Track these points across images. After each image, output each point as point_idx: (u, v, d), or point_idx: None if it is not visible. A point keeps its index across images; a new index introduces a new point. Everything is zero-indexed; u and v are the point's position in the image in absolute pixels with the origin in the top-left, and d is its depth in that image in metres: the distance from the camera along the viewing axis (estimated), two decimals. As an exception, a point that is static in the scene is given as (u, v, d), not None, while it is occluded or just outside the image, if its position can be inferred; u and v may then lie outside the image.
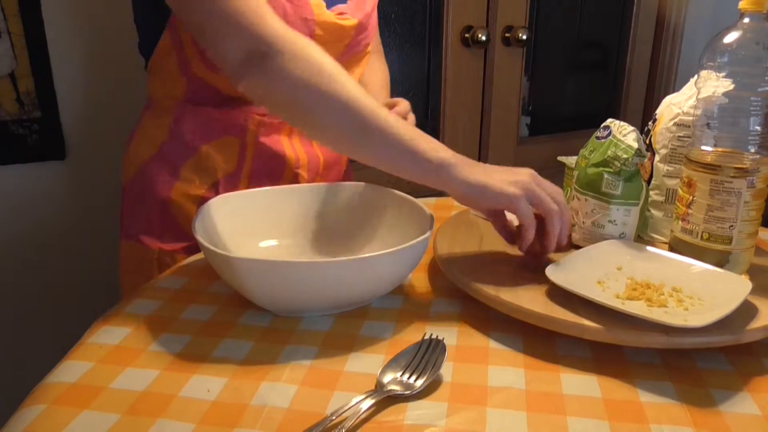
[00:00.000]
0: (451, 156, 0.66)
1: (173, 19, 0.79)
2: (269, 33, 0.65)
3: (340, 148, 0.77)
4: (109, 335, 0.61)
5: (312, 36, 0.80)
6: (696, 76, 0.69)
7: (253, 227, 0.77)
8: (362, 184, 0.82)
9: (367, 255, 0.60)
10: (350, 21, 0.84)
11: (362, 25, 0.86)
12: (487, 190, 0.65)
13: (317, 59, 0.66)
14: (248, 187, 0.87)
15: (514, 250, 0.75)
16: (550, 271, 0.62)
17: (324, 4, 0.81)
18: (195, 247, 0.85)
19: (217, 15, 0.66)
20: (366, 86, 0.96)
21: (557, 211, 0.65)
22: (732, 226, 0.66)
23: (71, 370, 0.55)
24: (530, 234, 0.66)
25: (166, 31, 0.80)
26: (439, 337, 0.57)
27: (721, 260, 0.67)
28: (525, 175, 0.66)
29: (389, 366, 0.54)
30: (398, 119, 0.67)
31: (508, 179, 0.65)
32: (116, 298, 0.74)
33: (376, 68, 1.02)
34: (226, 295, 0.70)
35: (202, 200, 0.86)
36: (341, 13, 0.84)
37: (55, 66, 1.23)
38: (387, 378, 0.52)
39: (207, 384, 0.53)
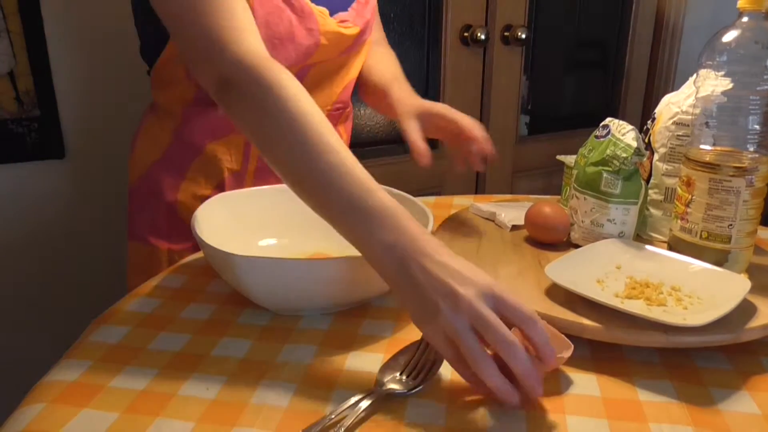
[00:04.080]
0: (397, 238, 0.51)
1: None
2: (234, 59, 0.60)
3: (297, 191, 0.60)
4: (108, 334, 0.61)
5: (317, 45, 0.81)
6: (695, 75, 0.69)
7: (252, 226, 0.77)
8: None
9: (366, 254, 0.60)
10: (352, 30, 0.85)
11: (362, 32, 0.87)
12: (424, 303, 0.49)
13: (286, 103, 0.57)
14: (253, 185, 0.87)
15: (513, 250, 0.75)
16: (550, 270, 0.62)
17: (327, 12, 0.82)
18: None
19: (189, 33, 0.62)
20: (372, 71, 0.95)
21: (511, 345, 0.46)
22: (731, 224, 0.66)
23: (70, 369, 0.55)
24: (482, 371, 0.47)
25: (170, 41, 0.80)
26: (438, 336, 0.57)
27: (720, 259, 0.67)
28: (474, 288, 0.48)
29: (388, 365, 0.54)
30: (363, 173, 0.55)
31: (447, 292, 0.48)
32: (117, 296, 0.74)
33: (382, 53, 0.99)
34: (225, 294, 0.70)
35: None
36: (343, 21, 0.84)
37: (55, 65, 1.22)
38: (386, 377, 0.52)
39: (206, 382, 0.53)
